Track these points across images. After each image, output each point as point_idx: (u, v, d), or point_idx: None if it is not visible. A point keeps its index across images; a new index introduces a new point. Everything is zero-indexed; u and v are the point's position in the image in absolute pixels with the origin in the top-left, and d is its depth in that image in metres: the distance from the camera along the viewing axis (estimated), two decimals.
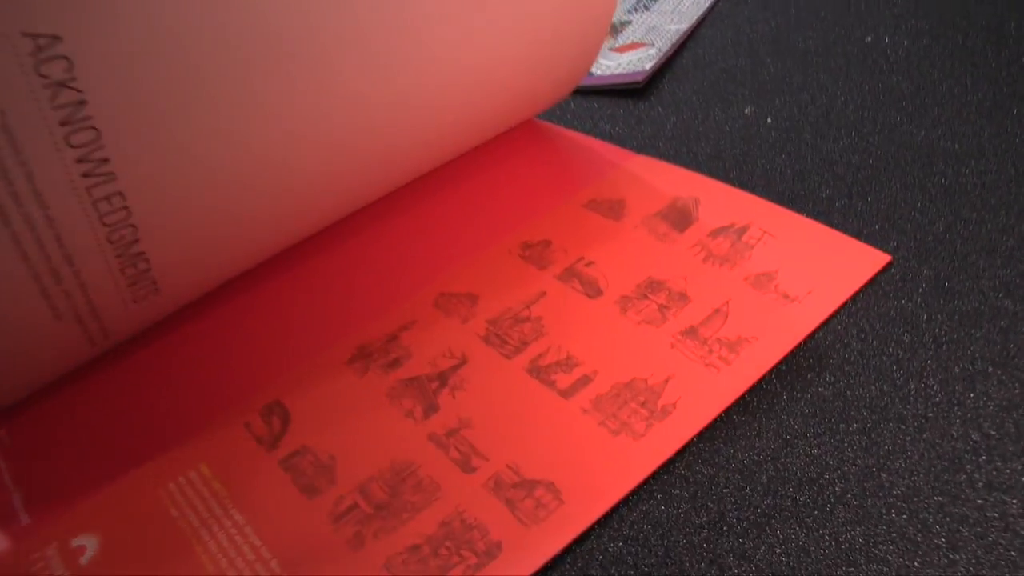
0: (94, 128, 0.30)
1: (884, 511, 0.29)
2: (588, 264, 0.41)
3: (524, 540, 0.30)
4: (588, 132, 0.53)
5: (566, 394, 0.35)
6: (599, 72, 0.58)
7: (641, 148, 0.50)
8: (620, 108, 0.55)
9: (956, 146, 0.45)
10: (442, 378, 0.37)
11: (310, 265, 0.44)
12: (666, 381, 0.35)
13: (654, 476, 0.32)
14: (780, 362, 0.35)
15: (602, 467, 0.32)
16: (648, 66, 0.57)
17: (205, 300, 0.42)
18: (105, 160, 0.31)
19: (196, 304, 0.42)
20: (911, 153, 0.45)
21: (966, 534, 0.28)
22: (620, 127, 0.53)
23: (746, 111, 0.52)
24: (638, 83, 0.56)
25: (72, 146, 0.30)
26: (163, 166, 0.33)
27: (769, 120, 0.51)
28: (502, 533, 0.31)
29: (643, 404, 0.34)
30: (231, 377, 0.38)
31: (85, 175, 0.31)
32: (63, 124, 0.29)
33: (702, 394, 0.34)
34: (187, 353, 0.40)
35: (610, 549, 0.30)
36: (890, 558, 0.28)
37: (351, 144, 0.39)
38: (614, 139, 0.52)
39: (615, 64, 0.58)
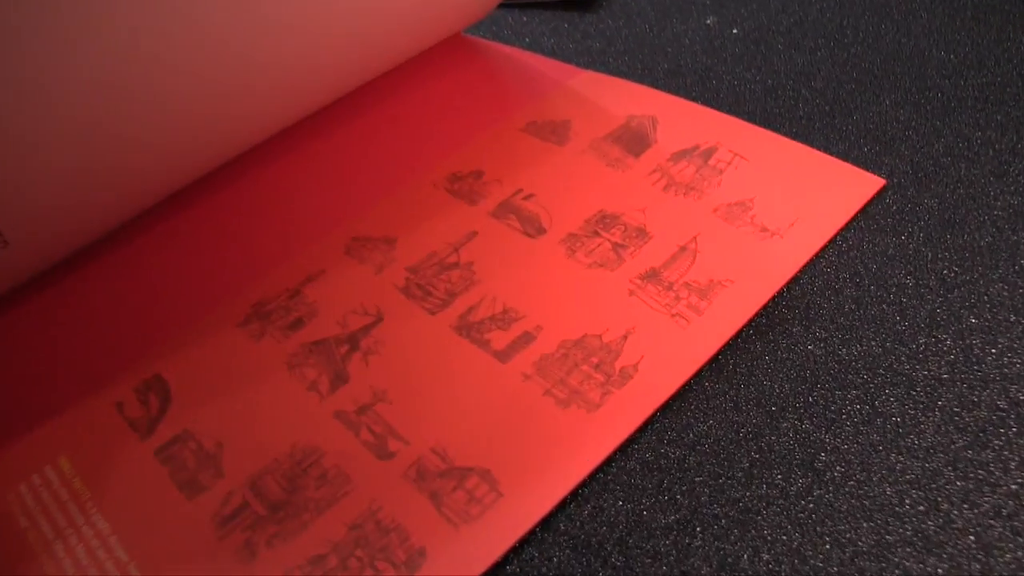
0: None
1: (896, 501, 0.24)
2: (527, 197, 0.35)
3: (453, 545, 0.24)
4: (527, 49, 0.46)
5: (503, 356, 0.29)
6: None
7: (589, 66, 0.43)
8: (564, 21, 0.48)
9: (952, 56, 0.39)
10: (352, 340, 0.30)
11: (197, 208, 0.37)
12: (625, 337, 0.29)
13: (610, 460, 0.26)
14: (760, 312, 0.29)
15: (549, 449, 0.26)
16: None
17: (72, 254, 0.35)
18: None
19: (61, 261, 0.35)
20: (900, 65, 0.39)
21: (1000, 530, 0.23)
22: (564, 42, 0.46)
23: (708, 21, 0.46)
24: None
25: None
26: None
27: (735, 31, 0.44)
28: (426, 536, 0.24)
29: (597, 367, 0.28)
30: (100, 346, 0.32)
31: None
32: None
33: (668, 353, 0.28)
34: (47, 318, 0.33)
35: (555, 558, 0.24)
36: (907, 563, 0.22)
37: (241, 62, 0.32)
38: (557, 56, 0.45)
39: None
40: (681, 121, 0.37)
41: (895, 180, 0.33)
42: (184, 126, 0.32)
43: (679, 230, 0.32)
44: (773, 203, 0.33)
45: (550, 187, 0.35)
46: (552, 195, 0.35)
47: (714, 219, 0.32)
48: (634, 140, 0.37)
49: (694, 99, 0.39)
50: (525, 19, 0.49)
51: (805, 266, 0.30)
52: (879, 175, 0.33)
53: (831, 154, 0.35)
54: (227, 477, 0.27)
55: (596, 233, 0.33)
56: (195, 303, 0.32)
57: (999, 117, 0.35)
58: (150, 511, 0.26)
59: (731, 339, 0.28)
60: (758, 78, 0.40)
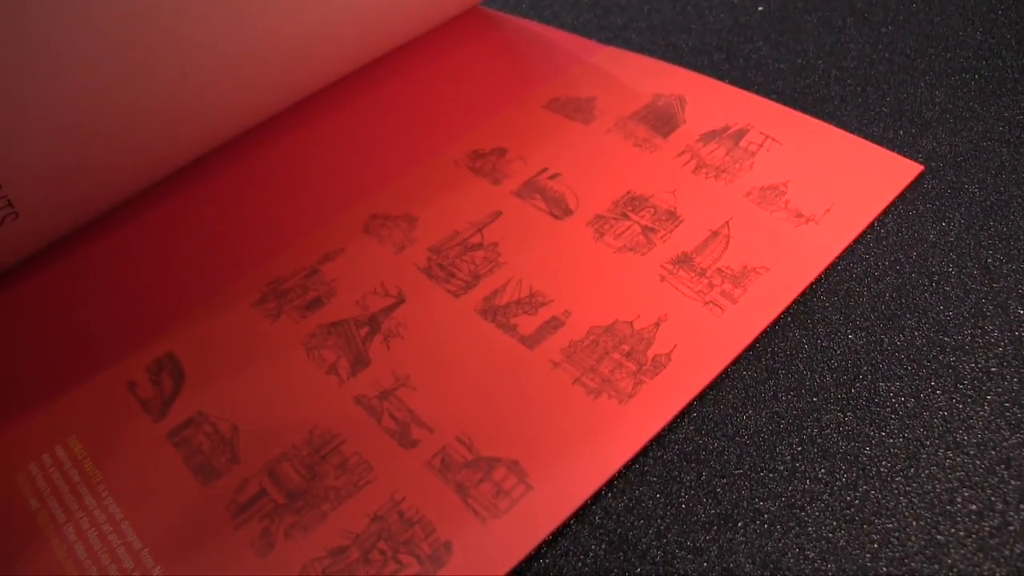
0: None
1: (946, 500, 0.23)
2: (553, 177, 0.34)
3: (481, 539, 0.23)
4: (546, 23, 0.45)
5: (531, 342, 0.28)
6: None
7: (610, 42, 0.42)
8: None
9: (988, 37, 0.38)
10: (373, 322, 0.29)
11: (211, 182, 0.36)
12: (657, 324, 0.28)
13: (647, 451, 0.25)
14: (797, 299, 0.28)
15: (579, 440, 0.25)
16: None
17: (82, 227, 0.34)
18: None
19: (71, 233, 0.34)
20: (934, 45, 0.38)
21: None
22: (584, 16, 0.45)
23: None
24: None
25: None
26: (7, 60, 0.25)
27: (760, 8, 0.43)
28: (452, 530, 0.23)
29: (629, 355, 0.27)
30: (112, 322, 0.30)
31: None
32: None
33: (703, 341, 0.27)
34: (57, 294, 0.32)
35: (591, 552, 0.23)
36: (961, 566, 0.21)
37: (257, 31, 0.31)
38: (577, 31, 0.44)
39: None
40: (709, 101, 0.36)
41: (933, 164, 0.32)
42: (198, 94, 0.31)
43: (711, 214, 0.31)
44: (808, 188, 0.31)
45: (576, 167, 0.34)
46: (578, 175, 0.33)
47: (747, 203, 0.31)
48: (661, 120, 0.35)
49: (721, 77, 0.38)
50: None
51: (842, 253, 0.29)
52: (916, 159, 0.32)
53: (865, 136, 0.34)
54: (243, 462, 0.26)
55: (625, 215, 0.31)
56: (208, 280, 0.31)
57: None
58: (164, 496, 0.25)
59: (768, 326, 0.27)
60: (786, 57, 0.39)
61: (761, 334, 0.27)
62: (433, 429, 0.26)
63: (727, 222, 0.31)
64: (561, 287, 0.29)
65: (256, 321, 0.30)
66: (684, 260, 0.30)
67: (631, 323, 0.28)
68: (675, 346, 0.27)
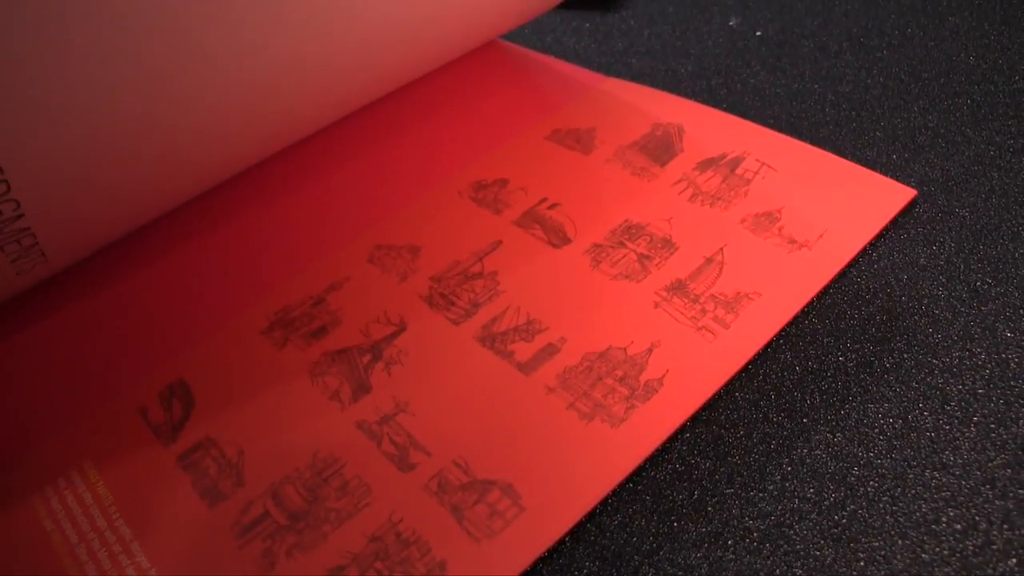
0: None
1: (932, 519, 0.23)
2: (552, 206, 0.34)
3: (475, 559, 0.24)
4: (548, 51, 0.45)
5: (527, 368, 0.28)
6: None
7: (611, 66, 0.43)
8: (586, 21, 0.48)
9: (981, 62, 0.39)
10: (375, 350, 0.30)
11: (222, 213, 0.37)
12: (650, 350, 0.28)
13: (638, 472, 0.25)
14: (788, 324, 0.29)
15: (572, 464, 0.26)
16: None
17: (96, 261, 0.35)
18: None
19: (85, 265, 0.35)
20: (928, 70, 0.39)
21: None
22: (586, 42, 0.46)
23: (731, 23, 0.45)
24: None
25: None
26: (43, 121, 0.26)
27: (759, 33, 0.44)
28: (447, 550, 0.24)
29: (622, 380, 0.28)
30: (125, 350, 0.31)
31: None
32: None
33: (695, 366, 0.28)
34: (74, 323, 0.33)
35: (584, 569, 0.23)
36: None
37: (271, 64, 0.31)
38: (579, 58, 0.44)
39: None
40: (707, 129, 0.37)
41: (925, 188, 0.33)
42: (218, 119, 0.31)
43: (705, 241, 0.32)
44: (801, 214, 0.32)
45: (575, 196, 0.35)
46: (577, 205, 0.34)
47: (741, 230, 0.32)
48: (660, 149, 0.36)
49: (718, 102, 0.39)
50: (545, 19, 0.49)
51: (834, 278, 0.30)
52: (908, 183, 0.33)
53: (859, 161, 0.34)
54: (247, 485, 0.27)
55: (621, 244, 0.32)
56: (219, 309, 0.32)
57: None
58: (172, 518, 0.26)
59: (760, 350, 0.28)
60: (783, 81, 0.40)
61: (752, 359, 0.28)
62: (431, 453, 0.26)
63: (721, 249, 0.31)
64: (558, 314, 0.30)
65: (264, 349, 0.31)
66: (678, 287, 0.30)
67: (625, 349, 0.28)
68: (667, 371, 0.28)
